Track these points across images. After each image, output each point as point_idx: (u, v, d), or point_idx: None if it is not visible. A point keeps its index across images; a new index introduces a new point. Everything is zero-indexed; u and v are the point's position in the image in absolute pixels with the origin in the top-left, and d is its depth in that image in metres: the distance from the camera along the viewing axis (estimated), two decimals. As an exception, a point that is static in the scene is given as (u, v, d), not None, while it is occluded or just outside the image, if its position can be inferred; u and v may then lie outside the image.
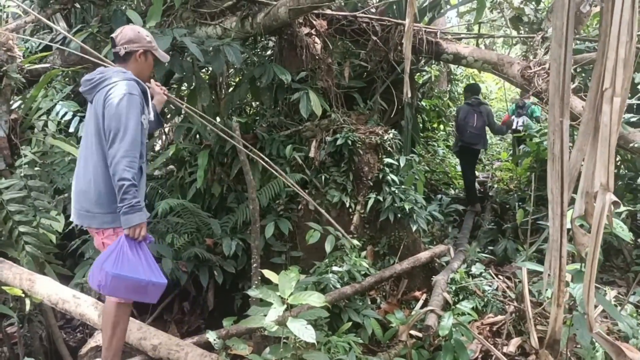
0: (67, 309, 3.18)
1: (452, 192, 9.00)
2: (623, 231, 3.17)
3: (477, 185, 9.02)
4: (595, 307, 3.94)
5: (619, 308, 4.19)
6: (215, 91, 5.93)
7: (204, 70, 6.00)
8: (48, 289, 3.21)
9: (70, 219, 3.04)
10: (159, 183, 5.18)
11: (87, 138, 2.92)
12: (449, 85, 13.37)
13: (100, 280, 2.65)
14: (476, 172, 9.53)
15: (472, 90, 8.35)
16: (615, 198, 2.57)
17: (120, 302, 2.90)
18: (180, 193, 5.01)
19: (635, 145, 4.03)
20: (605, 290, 4.57)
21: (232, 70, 6.00)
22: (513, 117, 9.00)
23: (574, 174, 2.77)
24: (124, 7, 4.98)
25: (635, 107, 5.36)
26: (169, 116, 6.80)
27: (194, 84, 4.89)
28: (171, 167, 5.38)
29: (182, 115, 5.67)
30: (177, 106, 4.52)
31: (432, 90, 11.53)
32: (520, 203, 7.10)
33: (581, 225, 2.94)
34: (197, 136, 5.49)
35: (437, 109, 11.07)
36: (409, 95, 3.15)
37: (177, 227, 4.64)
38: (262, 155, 4.56)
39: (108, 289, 2.67)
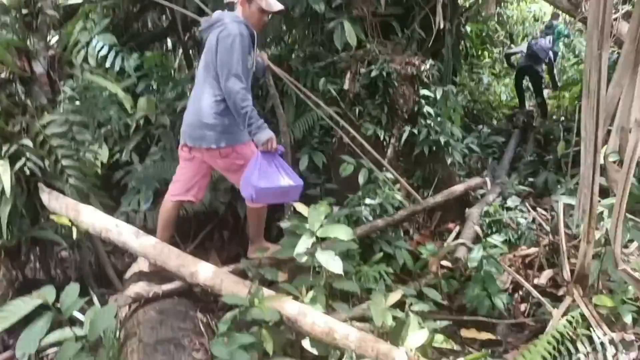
0: (109, 237, 3.38)
1: (495, 122, 8.79)
2: (663, 167, 3.05)
3: (521, 116, 8.78)
4: (632, 241, 3.89)
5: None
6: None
7: None
8: (92, 218, 3.41)
9: (181, 142, 3.56)
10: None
11: (198, 72, 3.48)
12: (498, 8, 12.67)
13: (251, 193, 3.24)
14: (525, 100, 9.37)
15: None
16: (652, 134, 2.48)
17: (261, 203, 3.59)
18: (217, 125, 5.09)
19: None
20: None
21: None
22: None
23: (610, 110, 2.66)
24: None
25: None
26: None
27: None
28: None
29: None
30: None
31: (478, 13, 10.97)
32: (565, 133, 6.87)
33: (617, 162, 2.86)
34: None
35: (483, 34, 10.59)
36: (442, 26, 3.08)
37: (214, 158, 4.76)
38: (297, 84, 4.57)
39: (259, 199, 3.31)
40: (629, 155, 2.46)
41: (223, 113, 3.35)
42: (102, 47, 4.24)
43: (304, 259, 2.99)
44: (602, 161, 2.69)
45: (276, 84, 4.81)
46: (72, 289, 2.41)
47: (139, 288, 3.26)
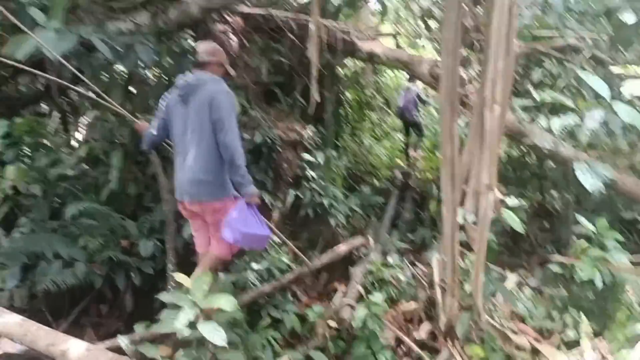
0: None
1: (376, 182, 9.24)
2: (515, 222, 3.41)
3: (399, 174, 9.36)
4: (496, 291, 4.24)
5: (519, 291, 4.53)
6: (134, 87, 5.78)
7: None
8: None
9: (181, 199, 3.69)
10: (72, 183, 5.00)
11: (189, 132, 3.52)
12: (375, 76, 13.66)
13: (235, 238, 3.48)
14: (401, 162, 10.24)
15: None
16: (500, 196, 2.79)
17: (224, 258, 3.83)
18: (94, 193, 4.87)
19: (530, 142, 4.34)
20: (506, 275, 4.90)
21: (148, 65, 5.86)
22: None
23: (464, 175, 2.97)
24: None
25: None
26: (83, 111, 6.57)
27: (105, 82, 4.76)
28: (85, 166, 5.21)
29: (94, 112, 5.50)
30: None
31: (357, 81, 11.72)
32: (438, 192, 7.39)
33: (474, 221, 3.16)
34: (114, 133, 5.33)
35: (362, 100, 11.28)
36: (317, 98, 3.31)
37: (90, 229, 4.52)
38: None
39: (242, 242, 3.58)
40: (482, 216, 2.72)
41: (223, 168, 3.56)
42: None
43: (186, 332, 2.89)
44: (461, 221, 2.95)
45: (158, 149, 4.77)
46: None
47: (3, 374, 2.96)
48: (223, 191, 3.63)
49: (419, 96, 10.17)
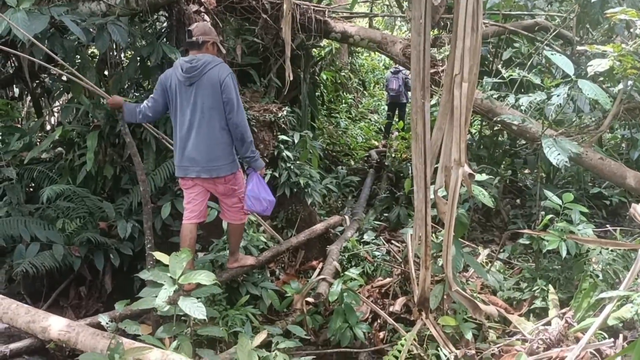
0: None
1: (352, 163, 9.35)
2: (485, 197, 3.53)
3: (375, 155, 9.48)
4: (469, 266, 4.39)
5: (490, 265, 4.70)
6: (107, 69, 5.72)
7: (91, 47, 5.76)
8: None
9: (184, 175, 3.81)
10: (47, 166, 4.97)
11: (198, 112, 3.63)
12: (350, 58, 13.70)
13: (263, 206, 3.84)
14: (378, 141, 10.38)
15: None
16: (469, 170, 2.89)
17: (243, 221, 4.11)
18: (70, 176, 4.85)
19: (499, 118, 4.46)
20: (478, 249, 5.06)
21: (122, 47, 5.81)
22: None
23: (435, 151, 3.06)
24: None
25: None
26: (56, 94, 6.49)
27: (78, 64, 4.71)
28: (59, 149, 5.17)
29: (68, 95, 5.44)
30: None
31: (333, 62, 11.75)
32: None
33: (445, 196, 3.26)
34: (89, 116, 5.28)
35: (338, 82, 11.31)
36: (291, 78, 3.35)
37: (67, 211, 4.52)
38: (157, 130, 4.59)
39: (269, 209, 3.90)
40: (452, 190, 2.81)
41: (232, 144, 3.76)
42: None
43: (166, 308, 2.95)
44: (432, 196, 3.05)
45: (134, 131, 4.76)
46: None
47: (-18, 350, 2.98)
48: (236, 165, 3.85)
49: (406, 79, 10.21)
